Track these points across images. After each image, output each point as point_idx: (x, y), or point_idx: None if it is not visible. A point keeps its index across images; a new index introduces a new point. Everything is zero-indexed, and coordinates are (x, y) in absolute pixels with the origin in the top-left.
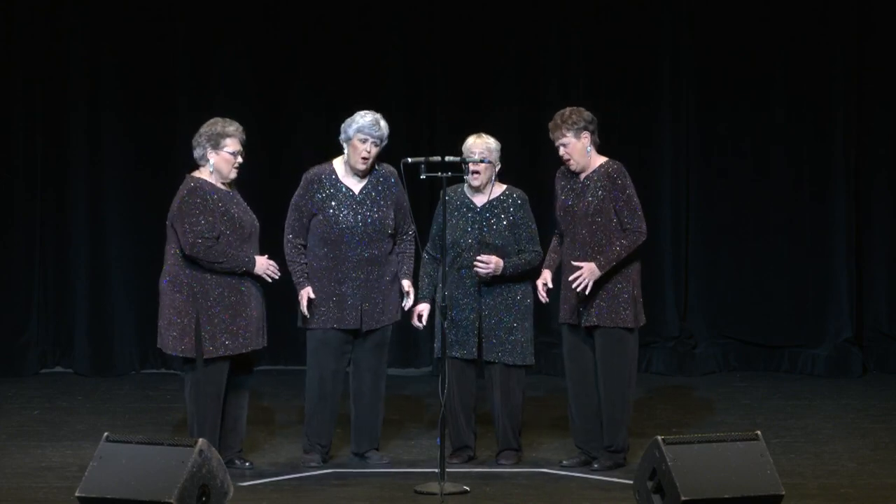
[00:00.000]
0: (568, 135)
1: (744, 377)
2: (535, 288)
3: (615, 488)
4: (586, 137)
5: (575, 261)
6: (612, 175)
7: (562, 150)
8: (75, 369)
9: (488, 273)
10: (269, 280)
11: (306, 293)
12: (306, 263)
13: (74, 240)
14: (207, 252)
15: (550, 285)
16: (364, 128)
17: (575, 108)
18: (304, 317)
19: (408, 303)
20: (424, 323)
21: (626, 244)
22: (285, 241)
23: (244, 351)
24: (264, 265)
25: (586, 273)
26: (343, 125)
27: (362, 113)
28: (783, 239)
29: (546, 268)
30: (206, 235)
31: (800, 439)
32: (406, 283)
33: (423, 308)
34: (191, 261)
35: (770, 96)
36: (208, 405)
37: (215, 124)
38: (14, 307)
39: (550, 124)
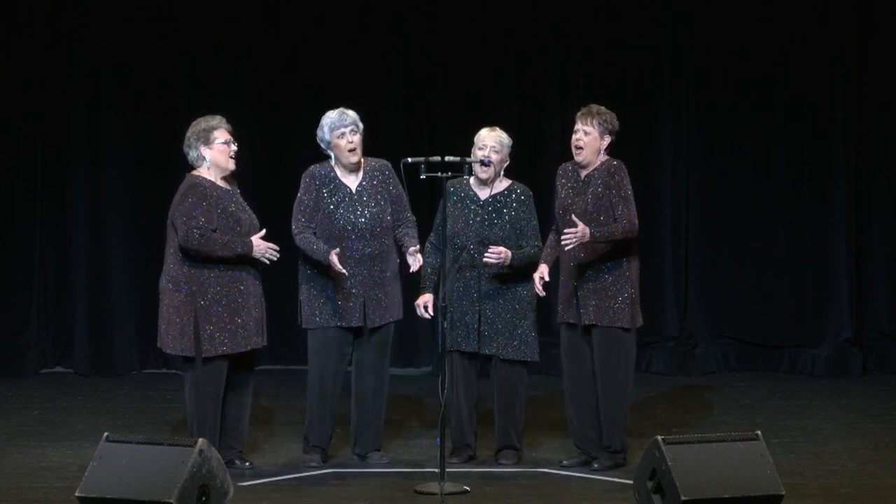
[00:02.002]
0: (595, 127)
1: (744, 377)
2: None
3: (615, 488)
4: (606, 141)
5: (573, 259)
6: (611, 171)
7: (579, 135)
8: (75, 369)
9: (499, 262)
10: (268, 262)
11: (335, 254)
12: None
13: (74, 240)
14: (203, 243)
15: (547, 278)
16: (334, 123)
17: (612, 112)
18: (342, 274)
19: (415, 264)
20: (432, 313)
21: (620, 229)
22: (295, 237)
23: (243, 350)
24: (263, 248)
25: (580, 234)
26: (317, 137)
27: (325, 115)
28: (783, 239)
29: (543, 262)
30: (202, 228)
31: (800, 439)
32: (413, 248)
33: (428, 298)
34: (189, 258)
35: (770, 96)
36: (208, 404)
37: (198, 123)
38: (14, 307)
39: (584, 109)
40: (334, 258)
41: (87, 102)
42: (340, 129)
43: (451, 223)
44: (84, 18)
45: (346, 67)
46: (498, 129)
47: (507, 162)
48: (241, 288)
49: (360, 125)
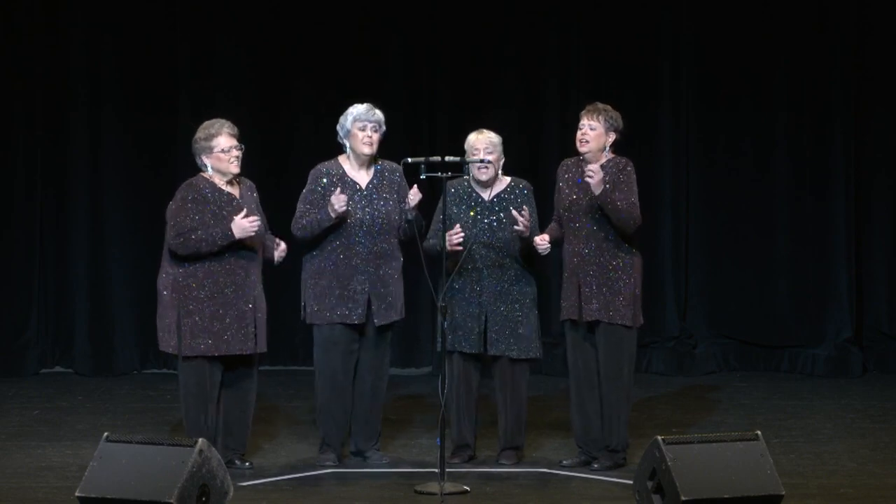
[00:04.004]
0: (601, 123)
1: (744, 377)
2: (537, 279)
3: (615, 488)
4: (611, 137)
5: (579, 256)
6: (619, 167)
7: (585, 130)
8: (75, 369)
9: (524, 231)
10: (254, 233)
11: (333, 200)
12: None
13: (74, 240)
14: (187, 246)
15: (548, 238)
16: (360, 115)
17: (616, 111)
18: (343, 207)
19: (415, 198)
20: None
21: (626, 210)
22: (294, 225)
23: (224, 353)
24: (244, 225)
25: (601, 175)
26: (339, 124)
27: (355, 105)
28: (783, 239)
29: (546, 233)
30: (186, 231)
31: (800, 439)
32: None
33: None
34: (179, 259)
35: (770, 96)
36: (191, 403)
37: (202, 129)
38: (14, 307)
39: (589, 106)
40: (333, 200)
41: (87, 102)
42: (364, 122)
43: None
44: (84, 18)
45: (346, 67)
46: (485, 130)
47: (503, 159)
48: (229, 292)
49: (384, 127)
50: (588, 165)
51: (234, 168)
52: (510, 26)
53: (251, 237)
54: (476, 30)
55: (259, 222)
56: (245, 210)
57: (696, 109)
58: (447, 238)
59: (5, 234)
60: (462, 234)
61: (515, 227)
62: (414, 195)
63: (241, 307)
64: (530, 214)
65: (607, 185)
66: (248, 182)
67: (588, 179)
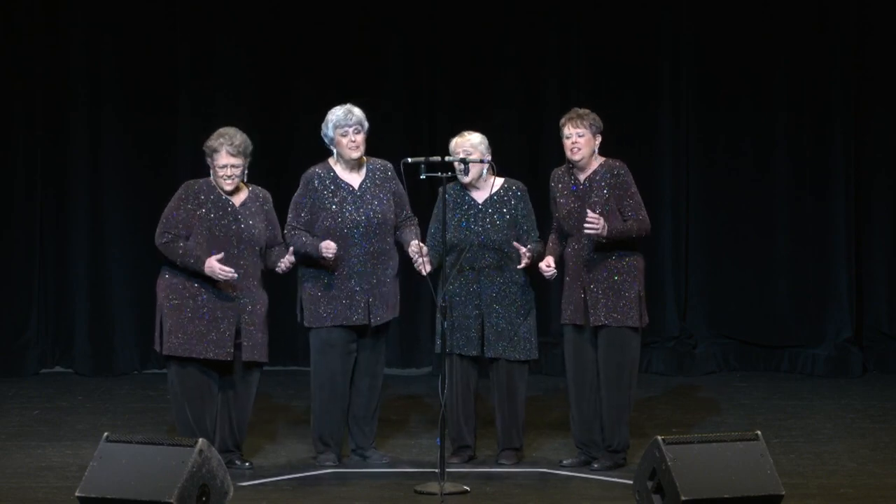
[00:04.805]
0: (587, 128)
1: (744, 377)
2: (535, 279)
3: (615, 488)
4: (598, 140)
5: (582, 260)
6: (615, 172)
7: (575, 139)
8: (75, 369)
9: (526, 264)
10: (222, 280)
11: (324, 246)
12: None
13: (74, 240)
14: (165, 247)
15: (553, 265)
16: (340, 122)
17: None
18: (336, 257)
19: (423, 265)
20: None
21: (635, 227)
22: (285, 236)
23: (200, 357)
24: (215, 267)
25: (601, 225)
26: (322, 132)
27: (332, 111)
28: (783, 239)
29: (548, 255)
30: (173, 231)
31: (800, 439)
32: (414, 243)
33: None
34: (163, 258)
35: (770, 96)
36: (177, 401)
37: (209, 139)
38: (14, 307)
39: (570, 114)
40: (324, 246)
41: (87, 102)
42: (344, 127)
43: (450, 233)
44: (84, 18)
45: (345, 67)
46: (465, 133)
47: (488, 156)
48: (211, 296)
49: (366, 124)
50: (588, 216)
51: (227, 186)
52: (510, 26)
53: (225, 277)
54: (476, 30)
55: (232, 275)
56: (223, 255)
57: (696, 109)
58: (417, 262)
59: (5, 234)
60: (429, 259)
61: (519, 265)
62: (420, 262)
63: (222, 313)
64: (528, 215)
65: (610, 229)
66: (262, 193)
67: (592, 232)
